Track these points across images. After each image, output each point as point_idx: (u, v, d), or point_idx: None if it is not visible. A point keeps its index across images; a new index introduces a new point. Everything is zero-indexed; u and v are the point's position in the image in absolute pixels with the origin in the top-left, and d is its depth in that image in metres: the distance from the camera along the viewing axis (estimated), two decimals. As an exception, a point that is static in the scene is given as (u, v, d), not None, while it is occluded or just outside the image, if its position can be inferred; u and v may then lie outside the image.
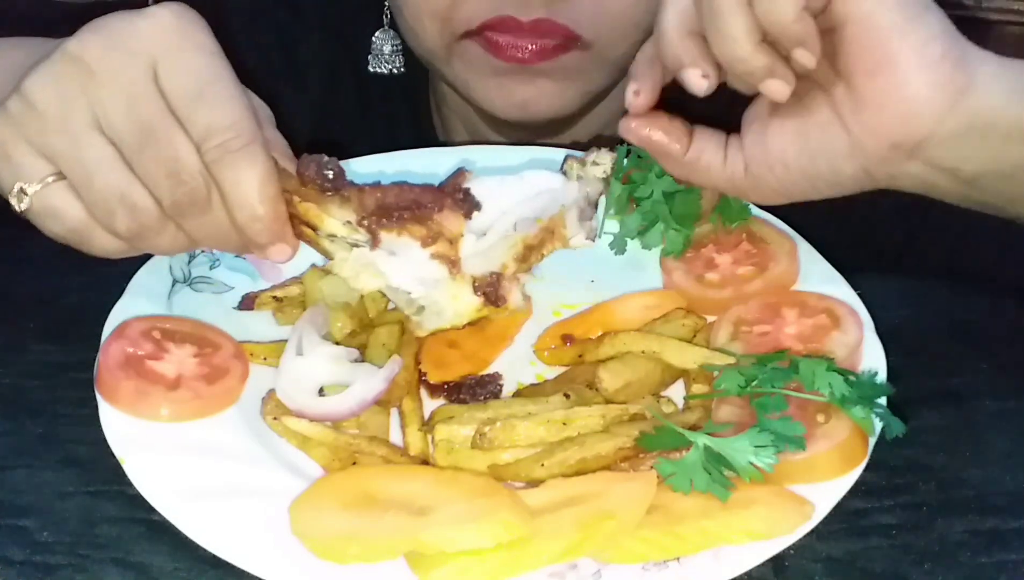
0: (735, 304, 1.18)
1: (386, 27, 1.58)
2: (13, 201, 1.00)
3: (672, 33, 1.04)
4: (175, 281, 1.21)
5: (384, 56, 1.59)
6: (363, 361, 1.14)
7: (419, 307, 1.11)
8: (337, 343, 1.15)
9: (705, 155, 1.12)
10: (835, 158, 1.05)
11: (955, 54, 0.99)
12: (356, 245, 1.06)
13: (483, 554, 0.91)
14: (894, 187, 1.08)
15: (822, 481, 0.99)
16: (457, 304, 1.10)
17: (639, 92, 1.09)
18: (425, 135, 1.67)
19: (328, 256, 1.09)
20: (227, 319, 1.19)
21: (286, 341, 1.13)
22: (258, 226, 0.99)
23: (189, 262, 1.24)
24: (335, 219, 1.05)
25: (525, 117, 1.44)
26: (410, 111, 1.66)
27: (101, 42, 0.98)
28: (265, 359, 1.14)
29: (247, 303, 1.22)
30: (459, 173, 1.09)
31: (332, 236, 1.06)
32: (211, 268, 1.25)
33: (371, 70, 1.60)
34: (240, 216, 0.99)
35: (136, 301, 1.17)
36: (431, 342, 1.18)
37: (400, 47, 1.59)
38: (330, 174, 1.03)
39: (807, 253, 1.25)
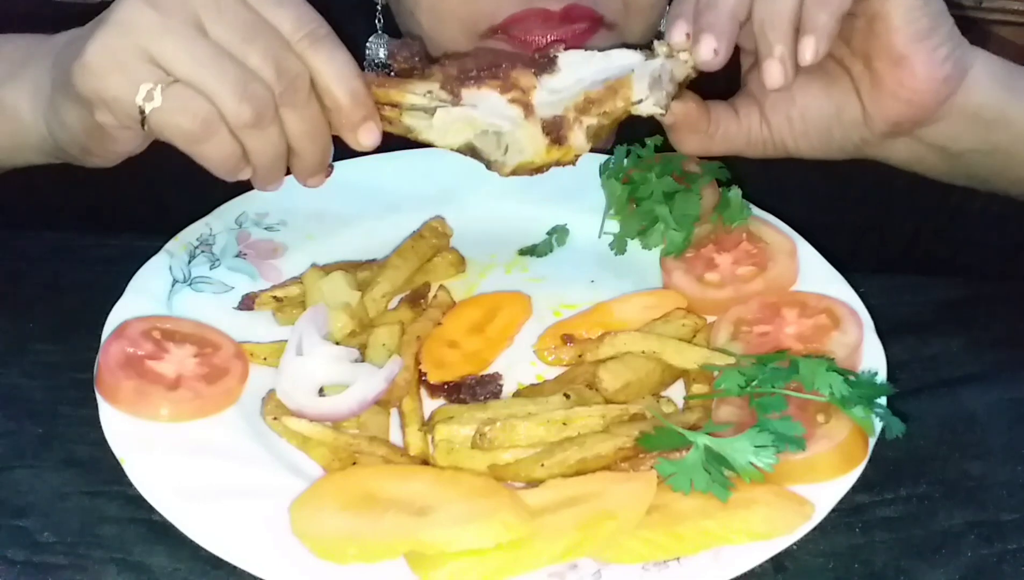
0: (735, 304, 1.18)
1: (379, 32, 1.56)
2: (142, 104, 1.04)
3: (736, 3, 1.10)
4: (175, 281, 1.21)
5: (379, 61, 1.57)
6: (363, 361, 1.14)
7: (505, 147, 1.16)
8: (337, 343, 1.15)
9: (723, 124, 1.21)
10: (847, 123, 1.20)
11: (956, 55, 1.16)
12: (437, 108, 1.14)
13: (483, 554, 0.91)
14: (888, 161, 1.24)
15: (822, 481, 0.99)
16: (534, 143, 1.15)
17: (718, 51, 1.10)
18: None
19: (408, 131, 1.16)
20: (227, 319, 1.19)
21: (286, 341, 1.13)
22: (353, 101, 1.10)
23: (189, 262, 1.24)
24: (415, 93, 1.14)
25: None
26: None
27: None
28: (265, 359, 1.14)
29: (247, 303, 1.22)
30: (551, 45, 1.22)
31: (413, 108, 1.14)
32: (211, 268, 1.25)
33: (387, 54, 1.58)
34: (338, 92, 1.09)
35: (136, 301, 1.17)
36: (431, 342, 1.18)
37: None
38: (418, 55, 1.16)
39: (807, 253, 1.25)
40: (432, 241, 1.29)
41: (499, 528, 0.92)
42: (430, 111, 1.14)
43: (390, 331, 1.17)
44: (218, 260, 1.26)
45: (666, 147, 1.31)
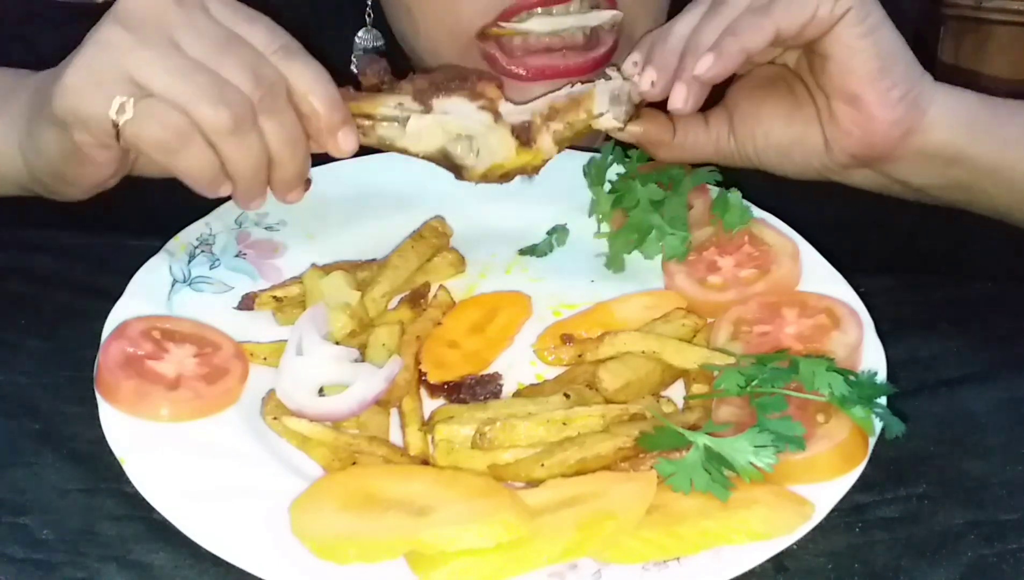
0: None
1: (369, 27, 1.56)
2: (114, 117, 1.06)
3: (679, 40, 1.17)
4: (175, 281, 1.21)
5: (371, 52, 1.57)
6: (363, 361, 1.14)
7: (477, 150, 1.21)
8: (337, 343, 1.15)
9: (691, 134, 1.27)
10: (807, 149, 1.24)
11: (911, 97, 1.19)
12: (411, 116, 1.20)
13: (483, 554, 0.91)
14: (852, 185, 1.28)
15: (822, 481, 0.99)
16: (504, 145, 1.21)
17: (655, 84, 1.17)
18: None
19: (382, 141, 1.21)
20: (227, 319, 1.19)
21: (286, 341, 1.13)
22: (332, 106, 1.13)
23: (189, 262, 1.24)
24: (387, 106, 1.20)
25: None
26: None
27: None
28: (265, 359, 1.14)
29: (247, 303, 1.21)
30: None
31: (386, 118, 1.19)
32: (211, 268, 1.25)
33: (356, 71, 1.58)
34: (316, 98, 1.12)
35: (136, 301, 1.17)
36: (431, 342, 1.18)
37: (384, 47, 1.57)
38: (384, 72, 1.21)
39: (807, 253, 1.25)
40: (432, 241, 1.29)
41: (499, 528, 0.92)
42: (402, 121, 1.19)
43: (390, 331, 1.17)
44: (218, 260, 1.26)
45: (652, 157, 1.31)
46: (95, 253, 1.34)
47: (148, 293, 1.19)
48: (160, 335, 1.12)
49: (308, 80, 1.11)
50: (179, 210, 1.28)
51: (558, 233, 1.33)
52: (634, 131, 1.24)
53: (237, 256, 1.27)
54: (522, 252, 1.32)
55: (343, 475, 1.03)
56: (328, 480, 1.02)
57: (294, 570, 0.93)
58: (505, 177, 1.23)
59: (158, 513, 0.98)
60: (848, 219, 1.47)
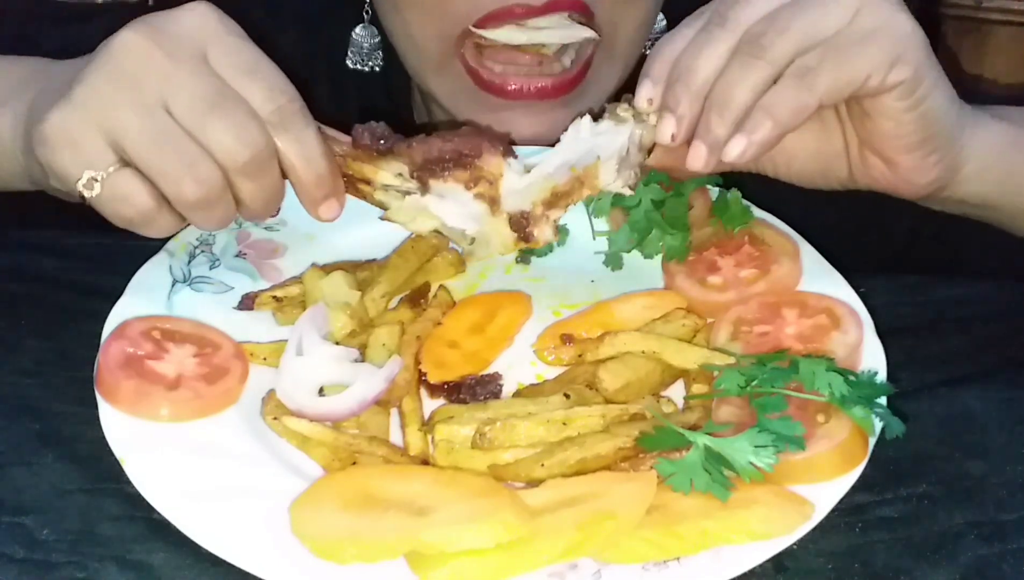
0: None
1: (367, 23, 1.56)
2: (82, 190, 1.05)
3: (704, 84, 1.09)
4: (175, 281, 1.21)
5: (364, 51, 1.57)
6: (363, 361, 1.14)
7: (471, 239, 1.18)
8: (337, 343, 1.15)
9: None
10: (830, 178, 1.23)
11: (947, 162, 1.18)
12: (408, 193, 1.16)
13: (483, 554, 0.91)
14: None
15: (822, 481, 0.99)
16: (500, 237, 1.17)
17: (676, 136, 1.11)
18: (406, 132, 1.64)
19: (382, 207, 1.18)
20: (227, 319, 1.19)
21: (286, 341, 1.13)
22: (318, 183, 1.11)
23: (189, 262, 1.24)
24: (387, 172, 1.16)
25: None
26: (389, 107, 1.64)
27: (151, 33, 1.05)
28: (265, 359, 1.14)
29: (247, 303, 1.22)
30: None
31: (386, 187, 1.17)
32: (211, 268, 1.25)
33: (351, 66, 1.58)
34: (304, 170, 1.09)
35: (136, 301, 1.17)
36: (431, 342, 1.18)
37: (380, 43, 1.57)
38: (382, 138, 1.16)
39: (807, 253, 1.25)
40: (432, 241, 1.29)
41: (499, 528, 0.92)
42: (402, 192, 1.16)
43: (390, 331, 1.17)
44: (218, 260, 1.26)
45: None
46: (95, 253, 1.34)
47: (148, 293, 1.19)
48: (160, 335, 1.12)
49: (297, 154, 1.08)
50: None
51: (558, 233, 1.33)
52: (648, 162, 1.18)
53: (237, 256, 1.27)
54: (522, 252, 1.32)
55: (343, 475, 1.03)
56: (328, 480, 1.02)
57: (294, 570, 0.93)
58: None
59: (158, 513, 0.98)
60: (848, 220, 1.48)
